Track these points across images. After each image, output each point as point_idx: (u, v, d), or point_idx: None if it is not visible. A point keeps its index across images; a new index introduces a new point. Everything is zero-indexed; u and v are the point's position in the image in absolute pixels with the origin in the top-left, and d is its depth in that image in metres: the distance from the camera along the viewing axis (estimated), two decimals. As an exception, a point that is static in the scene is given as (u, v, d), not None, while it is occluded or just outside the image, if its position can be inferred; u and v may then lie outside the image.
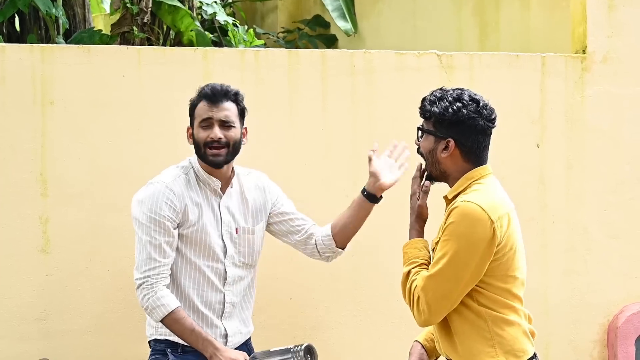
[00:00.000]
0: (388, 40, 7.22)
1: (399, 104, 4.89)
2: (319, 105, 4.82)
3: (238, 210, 3.83)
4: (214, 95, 3.71)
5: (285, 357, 3.55)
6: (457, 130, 3.17)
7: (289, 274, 4.76)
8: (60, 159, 4.50)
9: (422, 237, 3.33)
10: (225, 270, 3.75)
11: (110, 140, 4.55)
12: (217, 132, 3.68)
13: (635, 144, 5.21)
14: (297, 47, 7.70)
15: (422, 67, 4.92)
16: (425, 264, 3.18)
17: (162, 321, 3.59)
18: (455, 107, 3.17)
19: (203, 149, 3.68)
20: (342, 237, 3.98)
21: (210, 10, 6.82)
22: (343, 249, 4.00)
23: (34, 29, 6.53)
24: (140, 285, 3.61)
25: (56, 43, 6.20)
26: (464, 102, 3.18)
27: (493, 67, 5.01)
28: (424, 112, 3.27)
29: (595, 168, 5.15)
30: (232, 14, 8.29)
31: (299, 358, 3.51)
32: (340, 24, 7.56)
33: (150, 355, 3.82)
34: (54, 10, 6.17)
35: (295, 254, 4.76)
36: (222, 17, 6.87)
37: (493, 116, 3.23)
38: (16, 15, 6.56)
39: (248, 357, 3.61)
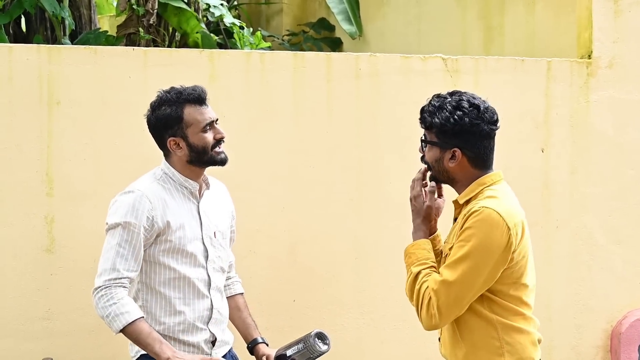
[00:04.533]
0: (393, 44, 7.23)
1: (403, 107, 4.89)
2: (324, 108, 4.82)
3: (215, 213, 3.70)
4: (200, 96, 3.56)
5: (299, 346, 3.56)
6: (462, 139, 3.13)
7: (292, 276, 4.77)
8: (66, 159, 4.51)
9: (428, 239, 3.31)
10: (209, 275, 3.61)
11: (116, 141, 4.56)
12: (221, 130, 3.60)
13: (639, 150, 5.21)
14: (302, 49, 7.71)
15: (428, 70, 4.93)
16: (435, 267, 3.17)
17: (123, 330, 3.38)
18: (456, 116, 3.11)
19: (210, 151, 3.55)
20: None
21: (217, 13, 6.83)
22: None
23: (40, 30, 6.55)
24: (99, 290, 3.42)
25: (62, 44, 6.21)
26: (465, 109, 3.12)
27: (498, 71, 5.02)
28: (424, 122, 3.21)
29: (599, 173, 5.15)
30: (238, 17, 8.31)
31: (310, 343, 3.52)
32: (346, 27, 7.57)
33: None
34: (60, 11, 6.18)
35: (298, 256, 4.78)
36: (228, 19, 6.88)
37: (495, 118, 3.19)
38: (22, 15, 6.57)
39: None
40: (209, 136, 3.56)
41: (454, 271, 3.02)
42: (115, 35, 6.53)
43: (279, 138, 4.76)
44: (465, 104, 3.13)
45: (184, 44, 6.60)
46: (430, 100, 3.22)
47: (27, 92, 4.48)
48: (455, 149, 3.14)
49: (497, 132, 3.21)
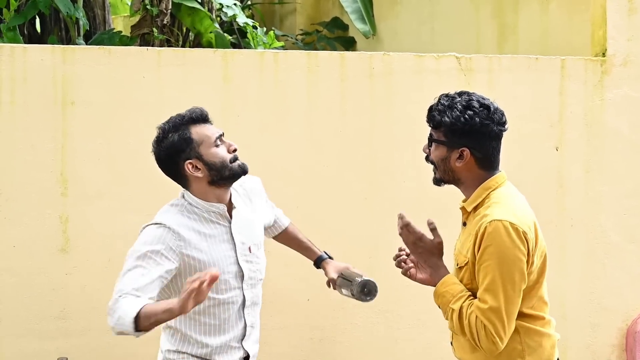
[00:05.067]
0: (406, 43, 7.22)
1: (417, 107, 4.87)
2: (338, 107, 4.82)
3: (247, 227, 3.57)
4: (203, 115, 3.45)
5: (348, 288, 3.70)
6: (471, 139, 3.10)
7: (306, 275, 4.76)
8: (81, 159, 4.52)
9: (449, 273, 3.26)
10: (244, 295, 3.52)
11: (130, 141, 4.58)
12: (231, 142, 3.46)
13: (654, 148, 5.20)
14: (316, 49, 7.71)
15: (441, 69, 4.92)
16: (472, 296, 3.13)
17: (137, 324, 3.14)
18: (467, 116, 3.08)
19: (229, 166, 3.41)
20: (282, 240, 4.03)
21: (230, 13, 6.84)
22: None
23: (55, 31, 6.57)
24: (108, 311, 3.22)
25: (76, 44, 6.24)
26: (475, 109, 3.09)
27: (512, 69, 5.00)
28: (433, 121, 3.17)
29: (614, 171, 5.13)
30: (251, 16, 8.32)
31: (355, 290, 3.64)
32: (359, 26, 7.57)
33: None
34: (74, 11, 6.20)
35: (313, 255, 4.78)
36: (241, 19, 6.89)
37: (504, 119, 3.16)
38: (37, 16, 6.60)
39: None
40: (223, 150, 3.42)
41: (495, 295, 2.99)
42: (129, 35, 6.55)
43: (293, 137, 4.77)
44: (476, 104, 3.11)
45: (197, 43, 6.62)
46: (439, 99, 3.18)
47: (41, 92, 4.50)
48: (464, 148, 3.11)
49: (504, 133, 3.19)
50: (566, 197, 5.09)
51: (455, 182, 3.21)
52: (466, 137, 3.10)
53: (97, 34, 6.63)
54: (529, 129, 5.00)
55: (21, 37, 6.17)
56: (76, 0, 6.40)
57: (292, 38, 8.10)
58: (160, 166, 3.45)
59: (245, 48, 6.89)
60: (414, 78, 4.90)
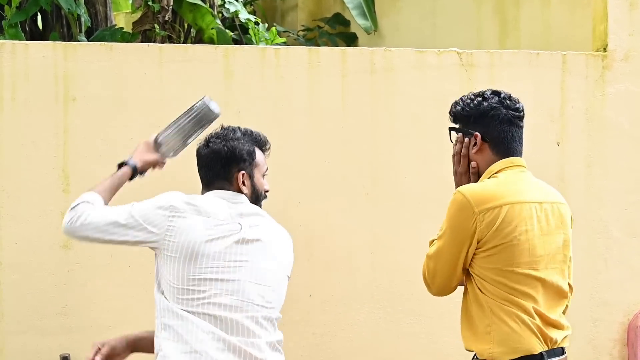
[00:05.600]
0: (408, 38, 7.22)
1: (419, 102, 4.89)
2: (339, 103, 4.83)
3: None
4: (266, 144, 3.56)
5: (189, 114, 3.55)
6: (482, 123, 3.23)
7: (308, 271, 4.78)
8: (82, 155, 4.53)
9: None
10: None
11: (132, 137, 4.58)
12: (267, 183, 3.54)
13: (656, 143, 5.20)
14: (317, 45, 7.71)
15: (443, 65, 4.92)
16: None
17: (86, 220, 3.27)
18: (476, 102, 3.25)
19: (260, 201, 3.51)
20: None
21: (232, 9, 6.85)
22: None
23: (56, 27, 6.58)
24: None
25: (78, 41, 6.24)
26: (485, 95, 3.26)
27: (514, 65, 5.01)
28: (452, 114, 3.34)
29: (615, 166, 5.13)
30: (253, 12, 8.32)
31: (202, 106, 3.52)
32: (360, 22, 7.57)
33: None
34: (76, 8, 6.21)
35: (314, 251, 4.78)
36: (243, 15, 6.89)
37: (517, 106, 3.28)
38: (38, 13, 6.60)
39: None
40: (263, 183, 3.52)
41: (432, 246, 3.22)
42: (130, 32, 6.55)
43: (294, 133, 4.77)
44: (488, 92, 3.28)
45: (199, 40, 6.62)
46: (462, 97, 3.36)
47: (43, 89, 4.51)
48: (476, 133, 3.23)
49: (523, 124, 3.29)
50: (567, 191, 5.07)
51: (476, 176, 3.27)
52: (477, 122, 3.24)
53: (99, 30, 6.64)
54: (530, 123, 4.95)
55: (23, 34, 6.18)
56: (78, -3, 6.41)
57: (293, 34, 8.10)
58: (209, 159, 3.43)
59: (247, 44, 6.89)
60: (415, 73, 4.90)
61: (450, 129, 3.36)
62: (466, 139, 3.26)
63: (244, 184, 3.41)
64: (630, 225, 5.16)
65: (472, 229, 3.09)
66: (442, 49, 4.97)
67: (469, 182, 3.27)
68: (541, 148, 5.04)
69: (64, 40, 6.40)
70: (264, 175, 3.50)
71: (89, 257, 4.53)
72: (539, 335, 3.12)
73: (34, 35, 6.57)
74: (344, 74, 4.83)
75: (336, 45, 7.70)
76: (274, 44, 6.73)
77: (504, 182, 3.18)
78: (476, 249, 3.11)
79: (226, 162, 3.40)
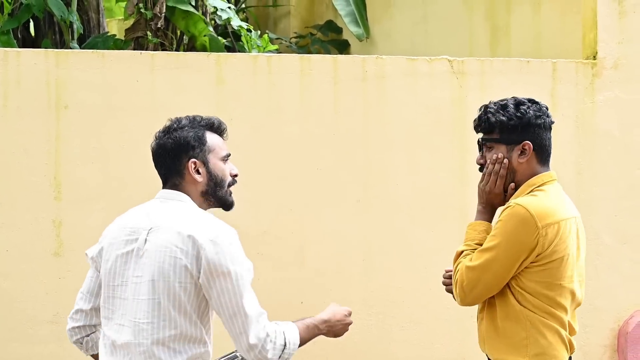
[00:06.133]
0: (400, 45, 7.24)
1: (410, 109, 4.91)
2: (331, 110, 4.84)
3: None
4: (221, 126, 3.25)
5: None
6: (531, 132, 3.16)
7: (300, 277, 4.79)
8: (74, 162, 4.54)
9: (485, 221, 3.30)
10: None
11: (124, 144, 4.59)
12: (235, 167, 3.24)
13: (646, 150, 5.22)
14: (310, 52, 7.72)
15: (434, 72, 4.94)
16: (480, 247, 3.21)
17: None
18: (522, 110, 3.17)
19: (227, 187, 3.20)
20: None
21: (225, 16, 6.85)
22: None
23: (49, 34, 6.58)
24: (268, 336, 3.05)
25: (70, 48, 6.25)
26: (526, 104, 3.20)
27: (504, 72, 5.03)
28: (487, 124, 3.20)
29: (605, 173, 5.15)
30: (245, 19, 8.33)
31: None
32: (353, 29, 7.58)
33: None
34: (68, 15, 6.22)
35: (306, 257, 4.80)
36: (236, 22, 6.90)
37: (549, 113, 3.26)
38: (31, 20, 6.61)
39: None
40: (227, 168, 3.22)
41: (478, 258, 3.11)
42: (123, 39, 6.56)
43: (286, 140, 4.79)
44: (525, 100, 3.21)
45: (191, 47, 6.63)
46: (487, 105, 3.24)
47: (35, 96, 4.51)
48: (526, 142, 3.16)
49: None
50: (558, 199, 5.11)
51: (515, 184, 3.20)
52: (525, 130, 3.17)
53: (91, 37, 6.64)
54: (521, 131, 5.02)
55: (15, 41, 6.18)
56: (70, 4, 6.41)
57: (286, 41, 8.10)
58: (158, 155, 3.18)
59: (239, 51, 6.90)
60: (406, 81, 4.92)
61: (485, 140, 3.22)
62: (514, 150, 3.16)
63: (198, 172, 3.11)
64: (620, 231, 5.18)
65: (533, 243, 3.04)
66: (434, 56, 4.99)
67: (501, 202, 3.22)
68: (532, 155, 5.06)
69: (56, 47, 6.41)
70: (225, 159, 3.19)
71: (81, 265, 4.52)
72: (567, 346, 3.17)
73: (26, 42, 6.58)
74: (335, 82, 4.84)
75: (328, 52, 7.72)
76: (266, 51, 6.74)
77: (554, 196, 3.15)
78: (531, 262, 3.07)
79: (173, 153, 3.13)
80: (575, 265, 3.18)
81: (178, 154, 3.13)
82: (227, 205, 3.21)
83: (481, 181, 3.27)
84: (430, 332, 4.91)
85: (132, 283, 2.99)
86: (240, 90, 4.73)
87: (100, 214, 4.53)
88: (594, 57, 5.16)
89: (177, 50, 6.65)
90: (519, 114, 3.16)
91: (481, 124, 3.22)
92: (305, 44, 8.12)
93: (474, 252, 3.20)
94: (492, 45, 6.52)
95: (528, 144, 3.16)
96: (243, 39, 6.92)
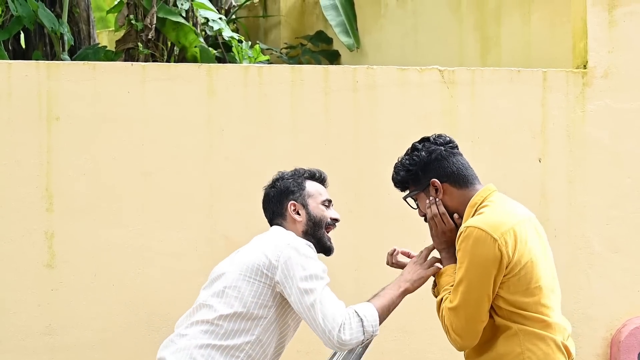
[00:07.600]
0: (390, 55, 7.26)
1: (401, 120, 4.92)
2: (322, 121, 4.85)
3: None
4: (322, 177, 3.74)
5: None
6: (432, 169, 3.26)
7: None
8: (66, 174, 4.53)
9: (453, 264, 3.32)
10: None
11: (115, 156, 4.59)
12: (337, 214, 3.69)
13: (636, 158, 5.22)
14: (300, 62, 7.74)
15: (424, 82, 4.95)
16: None
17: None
18: (415, 157, 3.29)
19: (324, 227, 3.64)
20: None
21: (215, 27, 6.86)
22: None
23: (39, 46, 6.58)
24: (342, 324, 3.51)
25: (61, 59, 6.25)
26: (416, 147, 3.31)
27: (495, 82, 5.04)
28: (399, 183, 3.37)
29: (596, 182, 5.16)
30: (236, 30, 8.34)
31: None
32: (343, 40, 7.60)
33: None
34: (59, 27, 6.22)
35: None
36: (227, 33, 6.92)
37: (448, 139, 3.32)
38: (21, 32, 6.61)
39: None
40: (327, 212, 3.65)
41: (454, 296, 3.13)
42: (114, 50, 6.56)
43: (277, 151, 4.79)
44: (416, 143, 3.33)
45: (182, 58, 6.63)
46: (395, 165, 3.40)
47: (26, 108, 4.51)
48: (432, 180, 3.26)
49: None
50: (549, 207, 5.12)
51: (457, 214, 3.28)
52: (426, 172, 3.28)
53: (82, 49, 6.64)
54: (512, 140, 5.03)
55: (5, 53, 6.18)
56: (61, 16, 6.42)
57: (276, 52, 8.12)
58: (265, 203, 3.68)
59: (230, 62, 6.91)
60: (397, 91, 4.93)
61: (405, 198, 3.40)
62: (430, 191, 3.27)
63: (298, 214, 3.58)
64: (612, 240, 5.19)
65: (497, 255, 3.05)
66: (424, 66, 5.00)
67: (454, 236, 3.26)
68: (523, 164, 5.07)
69: (47, 59, 6.41)
70: (326, 205, 3.64)
71: (73, 276, 4.53)
72: (565, 353, 3.21)
73: (17, 54, 6.58)
74: (326, 92, 4.85)
75: (319, 62, 7.74)
76: (257, 62, 6.75)
77: (500, 207, 3.19)
78: (504, 275, 3.09)
79: (276, 199, 3.63)
80: (545, 263, 3.20)
81: (280, 200, 3.63)
82: (326, 249, 3.68)
83: (431, 230, 3.37)
84: (423, 342, 4.91)
85: None
86: (231, 100, 4.73)
87: (92, 225, 4.52)
88: (585, 66, 5.17)
89: (167, 61, 6.66)
90: (413, 161, 3.29)
91: (396, 184, 3.40)
92: (295, 55, 8.14)
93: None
94: (482, 55, 6.54)
95: (434, 182, 3.26)
96: (234, 49, 6.93)
